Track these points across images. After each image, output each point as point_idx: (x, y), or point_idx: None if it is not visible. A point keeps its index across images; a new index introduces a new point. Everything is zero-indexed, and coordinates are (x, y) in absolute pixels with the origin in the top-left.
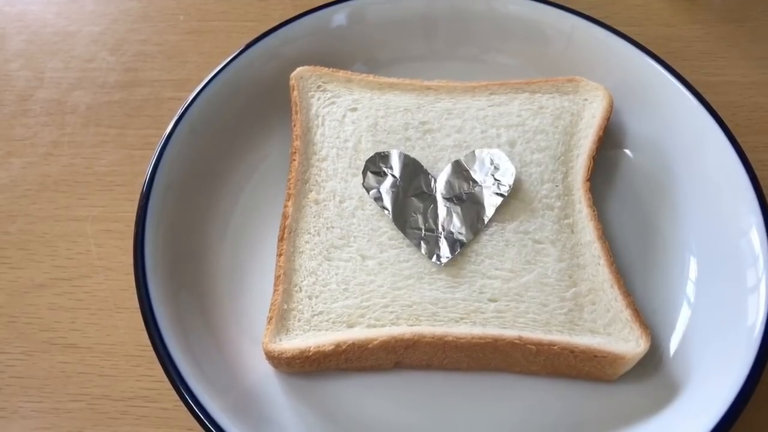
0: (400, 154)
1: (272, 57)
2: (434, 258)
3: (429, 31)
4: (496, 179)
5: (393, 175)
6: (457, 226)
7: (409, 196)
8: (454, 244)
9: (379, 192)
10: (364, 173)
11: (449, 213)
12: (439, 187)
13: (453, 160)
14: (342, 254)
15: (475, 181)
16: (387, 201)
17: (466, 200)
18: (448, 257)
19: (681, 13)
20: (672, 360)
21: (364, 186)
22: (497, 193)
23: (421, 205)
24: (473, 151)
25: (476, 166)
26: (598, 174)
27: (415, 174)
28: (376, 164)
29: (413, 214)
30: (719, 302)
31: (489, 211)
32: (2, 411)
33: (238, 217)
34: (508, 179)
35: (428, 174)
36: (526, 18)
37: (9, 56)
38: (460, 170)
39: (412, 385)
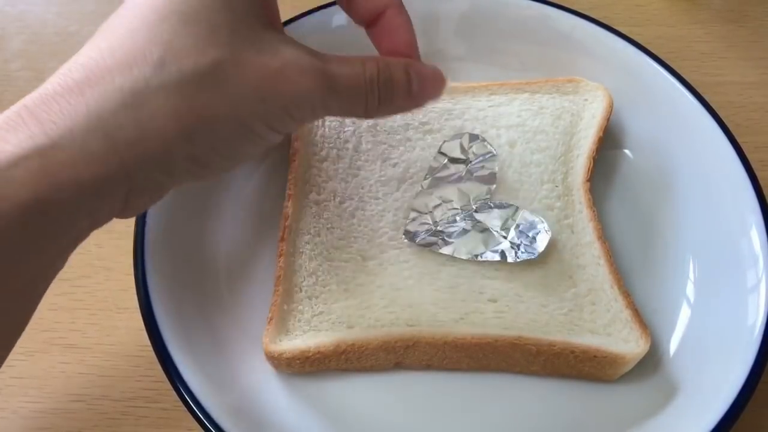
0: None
1: None
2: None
3: (429, 32)
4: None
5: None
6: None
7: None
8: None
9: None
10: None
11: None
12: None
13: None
14: (342, 255)
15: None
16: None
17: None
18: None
19: (681, 13)
20: (672, 360)
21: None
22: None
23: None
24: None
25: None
26: (598, 174)
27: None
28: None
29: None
30: (719, 302)
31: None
32: (2, 411)
33: (238, 218)
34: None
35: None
36: (526, 18)
37: (9, 56)
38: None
39: (412, 385)
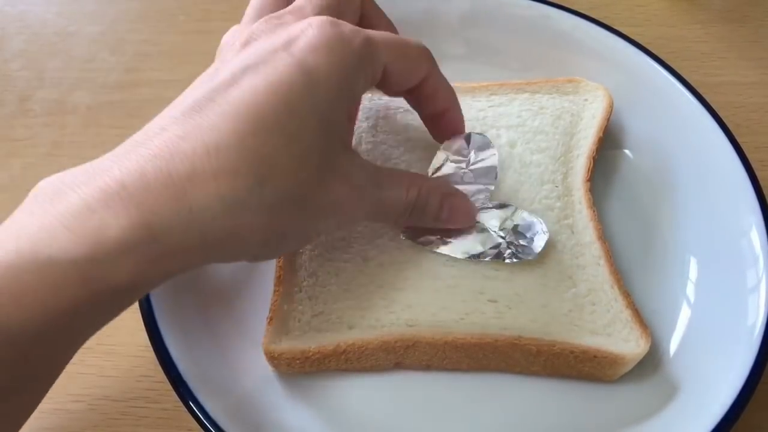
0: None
1: None
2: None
3: (429, 32)
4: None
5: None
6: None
7: None
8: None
9: None
10: None
11: None
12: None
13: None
14: (342, 255)
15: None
16: None
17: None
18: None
19: (681, 13)
20: (672, 360)
21: None
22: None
23: None
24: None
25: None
26: (598, 174)
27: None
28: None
29: None
30: (719, 302)
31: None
32: None
33: None
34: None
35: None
36: (526, 18)
37: (9, 56)
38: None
39: (412, 385)
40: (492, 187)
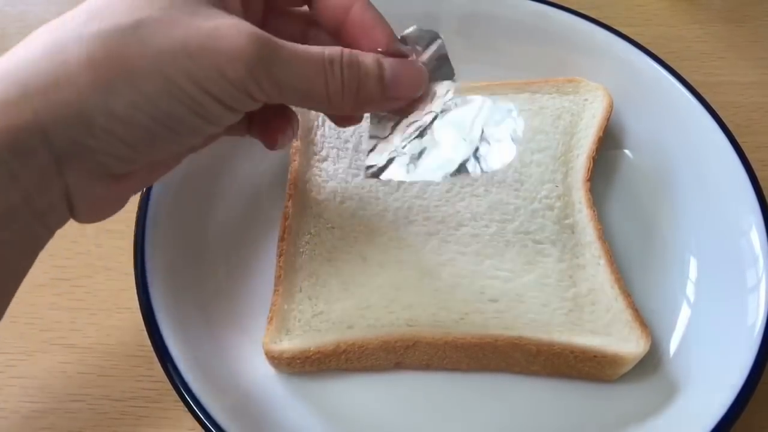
0: None
1: None
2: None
3: None
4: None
5: None
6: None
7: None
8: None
9: None
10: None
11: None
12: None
13: None
14: (342, 255)
15: None
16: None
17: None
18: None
19: (681, 13)
20: (672, 360)
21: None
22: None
23: (380, 126)
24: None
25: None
26: (598, 174)
27: None
28: None
29: (374, 140)
30: (719, 302)
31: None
32: (2, 411)
33: (239, 217)
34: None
35: None
36: (526, 18)
37: None
38: None
39: (412, 385)
40: (455, 81)
